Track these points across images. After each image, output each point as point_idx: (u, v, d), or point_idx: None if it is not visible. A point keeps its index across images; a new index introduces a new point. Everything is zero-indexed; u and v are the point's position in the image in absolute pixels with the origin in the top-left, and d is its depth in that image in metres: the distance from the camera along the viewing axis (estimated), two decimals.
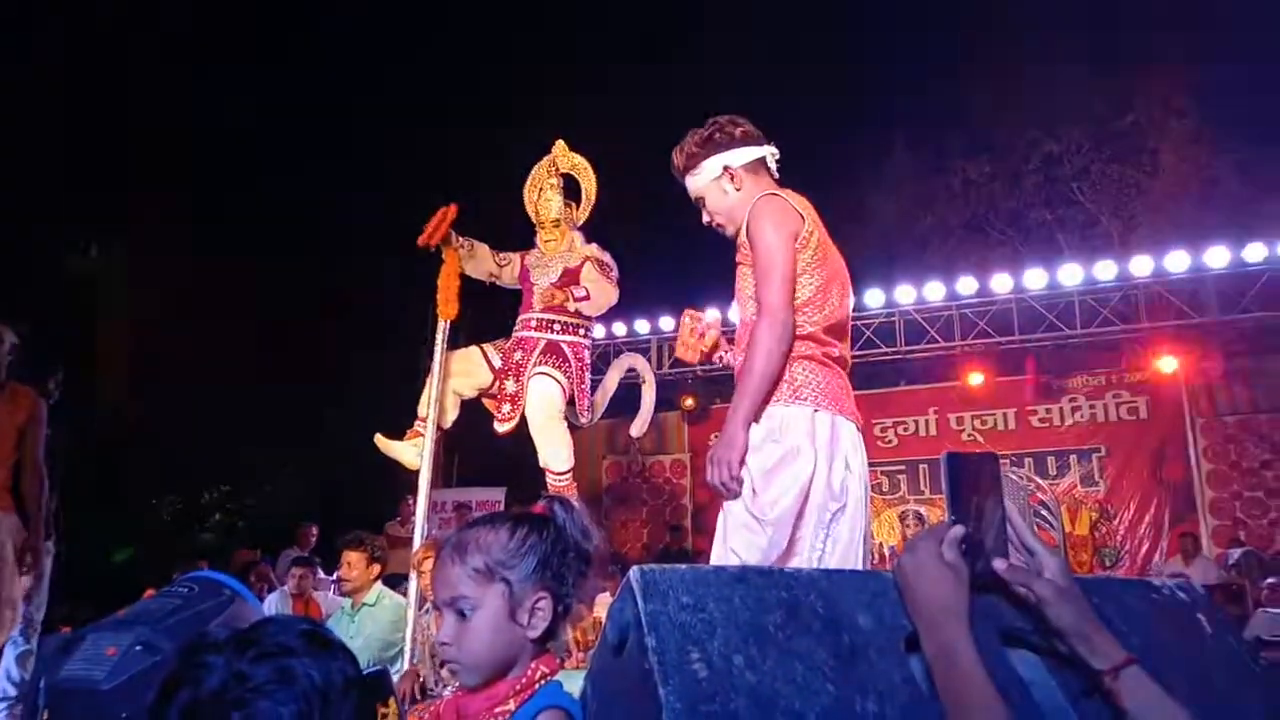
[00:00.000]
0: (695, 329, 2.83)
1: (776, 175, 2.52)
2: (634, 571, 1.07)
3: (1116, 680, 1.03)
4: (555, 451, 4.23)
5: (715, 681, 0.97)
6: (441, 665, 3.23)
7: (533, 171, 4.59)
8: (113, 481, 11.03)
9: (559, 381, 4.24)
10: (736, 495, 2.18)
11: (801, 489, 2.16)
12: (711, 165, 2.46)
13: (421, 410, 4.35)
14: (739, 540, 2.18)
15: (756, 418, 2.21)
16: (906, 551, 1.13)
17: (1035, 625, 1.12)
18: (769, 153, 2.50)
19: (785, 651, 1.03)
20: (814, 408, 2.22)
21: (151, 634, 1.38)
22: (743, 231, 2.36)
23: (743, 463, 2.17)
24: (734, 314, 2.65)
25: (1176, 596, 1.34)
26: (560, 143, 4.59)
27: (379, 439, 4.37)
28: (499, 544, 1.27)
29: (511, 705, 1.21)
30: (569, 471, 4.27)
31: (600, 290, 4.31)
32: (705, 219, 2.56)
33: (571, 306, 4.31)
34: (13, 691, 4.10)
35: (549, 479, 4.25)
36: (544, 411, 4.21)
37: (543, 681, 1.24)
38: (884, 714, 1.01)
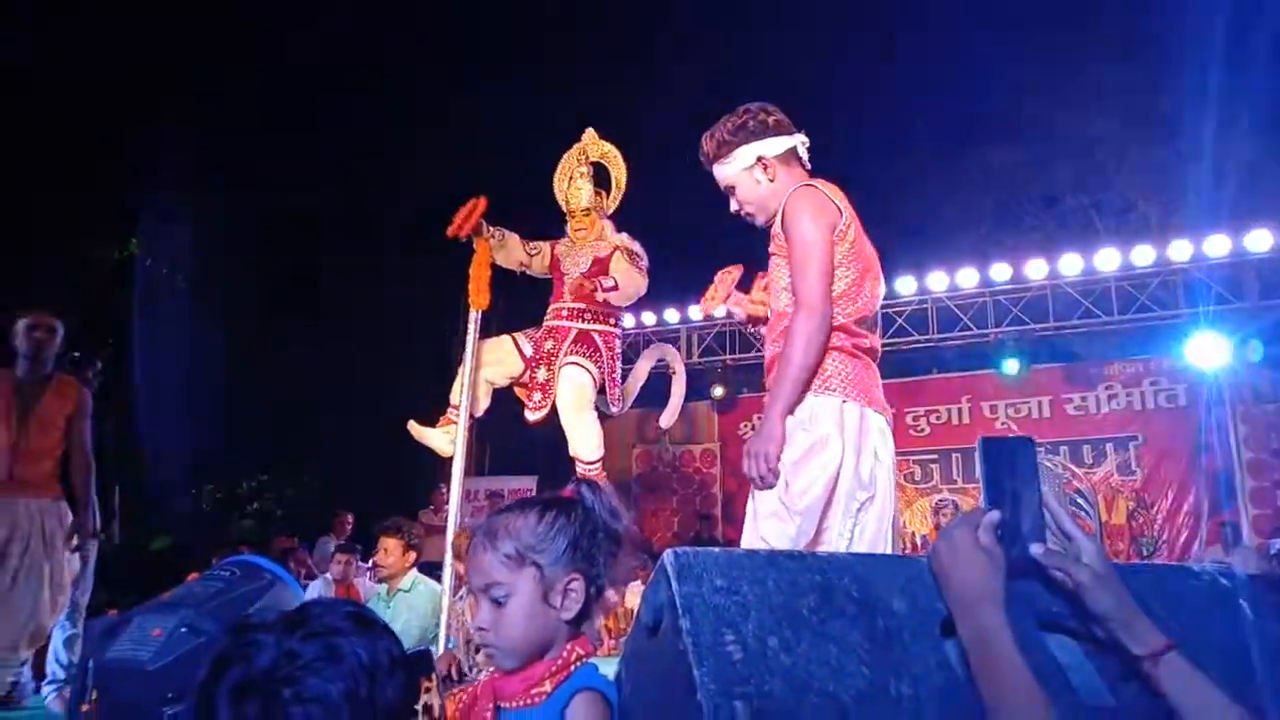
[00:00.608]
0: (726, 283, 2.90)
1: (808, 165, 2.50)
2: (668, 554, 1.08)
3: (1156, 666, 1.02)
4: (585, 440, 4.25)
5: (750, 663, 0.97)
6: (477, 650, 3.28)
7: (562, 160, 4.60)
8: (153, 470, 11.24)
9: (590, 371, 4.25)
10: (772, 487, 2.18)
11: (830, 478, 2.17)
12: (744, 154, 2.44)
13: (454, 398, 4.38)
14: (769, 528, 2.19)
15: (792, 412, 2.21)
16: (942, 537, 1.13)
17: (1073, 611, 1.11)
18: (800, 141, 2.48)
19: (819, 634, 1.03)
20: (843, 398, 2.23)
21: (196, 616, 1.41)
22: (777, 223, 2.35)
23: (779, 455, 2.17)
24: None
25: (1218, 583, 1.32)
26: (590, 131, 4.59)
27: (412, 426, 4.42)
28: (528, 529, 1.28)
29: (548, 686, 1.22)
30: (599, 460, 4.29)
31: (629, 280, 4.32)
32: (734, 207, 2.55)
33: (600, 297, 4.31)
34: (60, 674, 4.21)
35: (579, 467, 4.27)
36: (575, 400, 4.22)
37: (578, 663, 1.25)
38: (919, 697, 1.01)
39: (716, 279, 2.96)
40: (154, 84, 11.45)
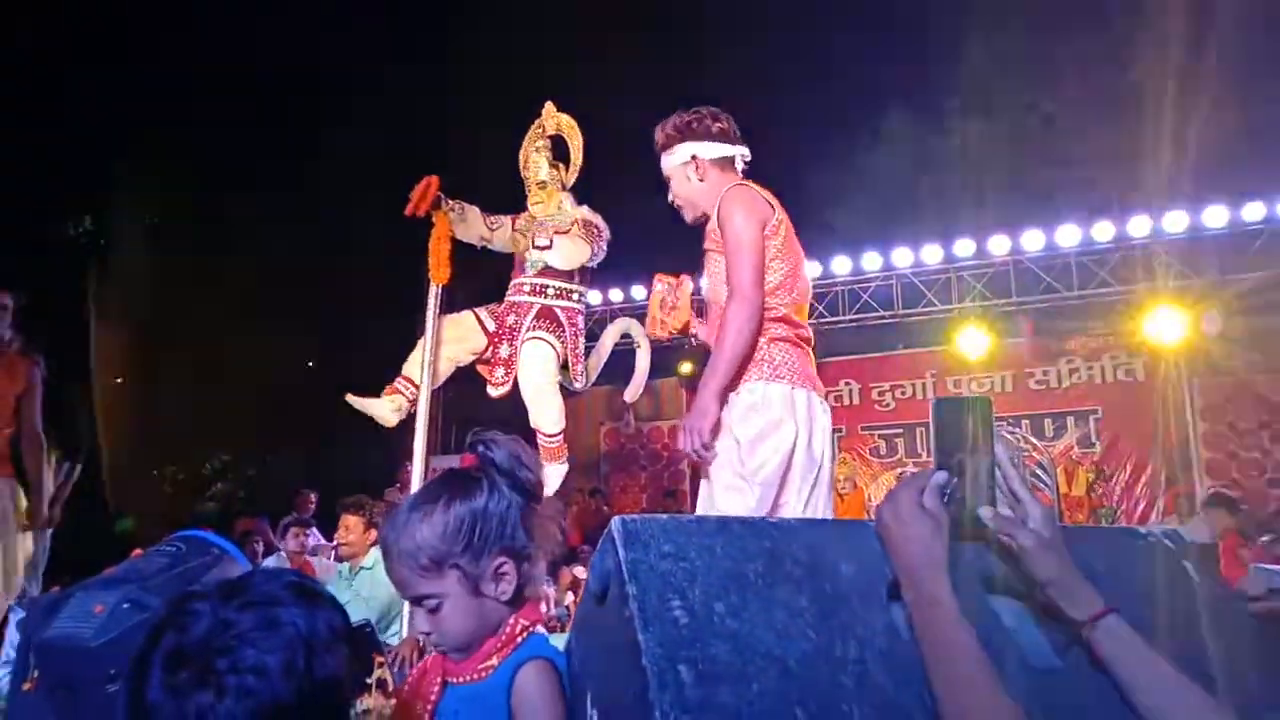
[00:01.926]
0: (666, 301, 2.96)
1: (742, 176, 2.65)
2: (615, 521, 1.07)
3: (1094, 630, 1.03)
4: (546, 413, 4.23)
5: (695, 628, 0.97)
6: None
7: (527, 134, 4.55)
8: (113, 453, 11.06)
9: (553, 345, 4.23)
10: (708, 461, 2.36)
11: (785, 455, 2.34)
12: (682, 150, 2.64)
13: (407, 370, 4.34)
14: (728, 501, 2.32)
15: (734, 390, 2.41)
16: (887, 500, 1.13)
17: (1018, 574, 1.12)
18: (739, 154, 2.66)
19: (766, 599, 1.03)
20: (791, 385, 2.42)
21: (139, 591, 1.38)
22: (714, 220, 2.52)
23: (714, 432, 2.36)
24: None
25: (1163, 544, 1.34)
26: (549, 104, 4.53)
27: (350, 398, 4.35)
28: (435, 535, 1.22)
29: (494, 661, 1.21)
30: (560, 433, 4.27)
31: (565, 242, 4.22)
32: (669, 197, 2.74)
33: (534, 256, 4.25)
34: (13, 655, 4.14)
35: (540, 439, 4.25)
36: (538, 375, 4.20)
37: (524, 635, 1.24)
38: (864, 659, 1.01)
39: (655, 294, 3.03)
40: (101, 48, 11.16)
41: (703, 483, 2.46)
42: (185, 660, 0.87)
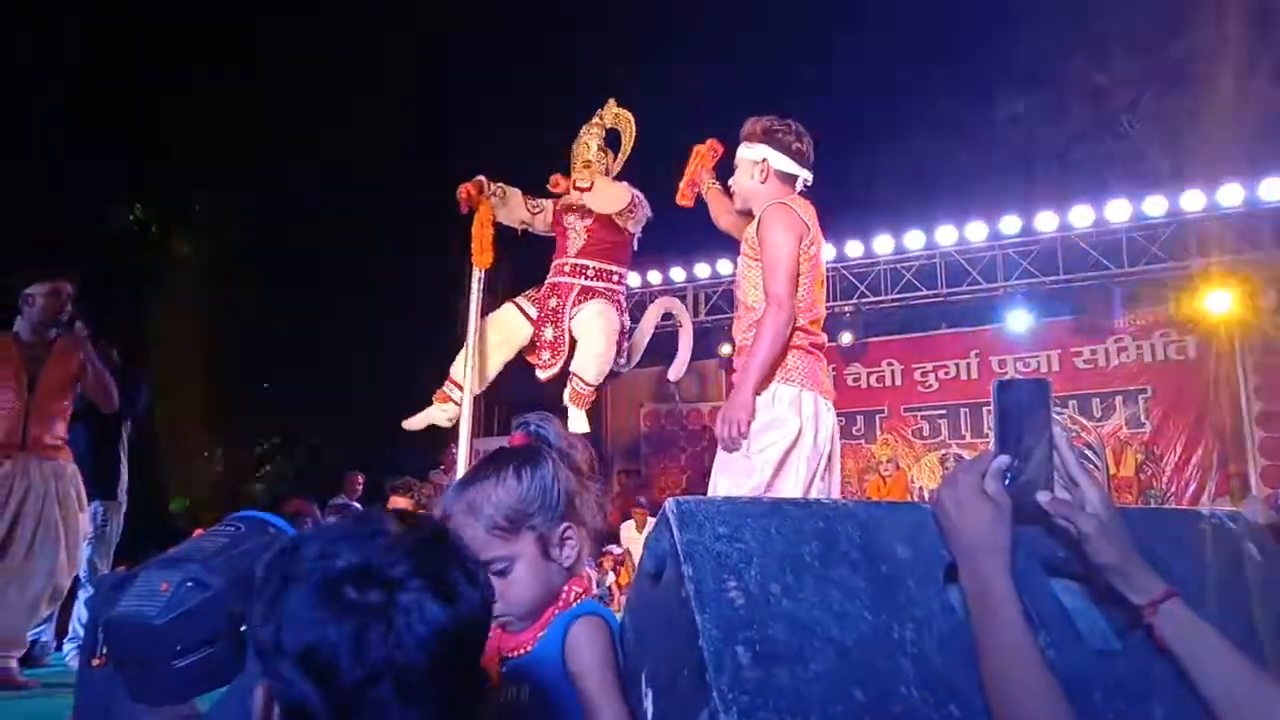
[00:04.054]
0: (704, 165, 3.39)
1: (798, 193, 2.89)
2: (670, 503, 1.07)
3: (1156, 614, 1.02)
4: (594, 365, 4.21)
5: (752, 609, 0.97)
6: None
7: (586, 125, 4.60)
8: (168, 436, 11.33)
9: (614, 312, 4.26)
10: (738, 449, 2.61)
11: (786, 445, 2.63)
12: (758, 150, 2.88)
13: (454, 374, 4.39)
14: (733, 470, 2.62)
15: (760, 389, 2.66)
16: (946, 484, 1.12)
17: (1078, 557, 1.11)
18: (803, 177, 2.90)
19: (822, 580, 1.03)
20: (800, 388, 2.69)
21: (202, 570, 1.41)
22: (752, 228, 2.79)
23: (750, 423, 2.61)
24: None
25: (1225, 526, 1.32)
26: (611, 100, 4.59)
27: (406, 424, 4.44)
28: (513, 493, 1.23)
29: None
30: (594, 388, 4.26)
31: (606, 184, 4.25)
32: (731, 181, 3.03)
33: (575, 196, 4.26)
34: (82, 632, 4.30)
35: (574, 382, 4.22)
36: (601, 327, 4.19)
37: (576, 600, 1.25)
38: (921, 641, 1.00)
39: (697, 158, 3.42)
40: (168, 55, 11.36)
41: (715, 463, 2.74)
42: (370, 577, 0.78)
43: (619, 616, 1.27)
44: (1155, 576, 1.05)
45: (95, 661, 1.55)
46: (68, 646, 4.76)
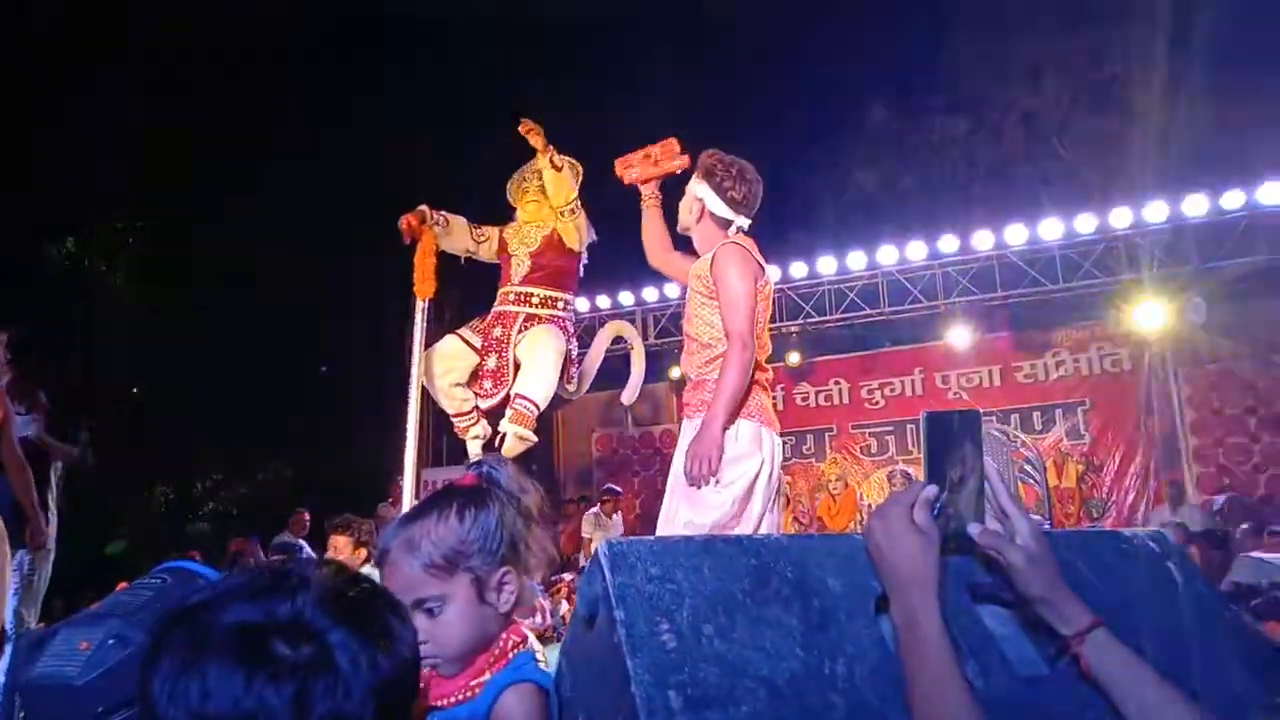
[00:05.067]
0: (652, 156, 3.38)
1: (731, 239, 2.94)
2: (601, 545, 1.07)
3: (1082, 644, 1.04)
4: (540, 385, 4.12)
5: (684, 651, 0.97)
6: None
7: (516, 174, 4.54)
8: (104, 474, 10.99)
9: (560, 336, 4.22)
10: (704, 483, 2.66)
11: (750, 479, 2.72)
12: (698, 188, 2.97)
13: (447, 409, 4.35)
14: (698, 503, 2.69)
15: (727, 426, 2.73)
16: (876, 515, 1.13)
17: (1007, 586, 1.13)
18: (738, 224, 2.96)
19: (754, 619, 1.03)
20: (759, 424, 2.78)
21: (125, 626, 1.37)
22: (705, 265, 2.87)
23: (720, 459, 2.67)
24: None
25: (1147, 547, 1.35)
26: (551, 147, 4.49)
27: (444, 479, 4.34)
28: (454, 533, 1.22)
29: (487, 675, 1.20)
30: (539, 409, 4.15)
31: (557, 177, 4.13)
32: (679, 202, 3.10)
33: (547, 163, 4.12)
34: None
35: (517, 402, 4.12)
36: (547, 350, 4.12)
37: (514, 651, 1.23)
38: (853, 675, 1.01)
39: (658, 152, 3.40)
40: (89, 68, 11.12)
41: (671, 496, 2.82)
42: (301, 631, 0.73)
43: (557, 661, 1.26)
44: (1082, 606, 1.07)
45: None
46: None
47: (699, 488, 2.67)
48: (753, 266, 2.82)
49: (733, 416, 2.73)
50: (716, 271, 2.81)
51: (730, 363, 2.72)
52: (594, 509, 9.08)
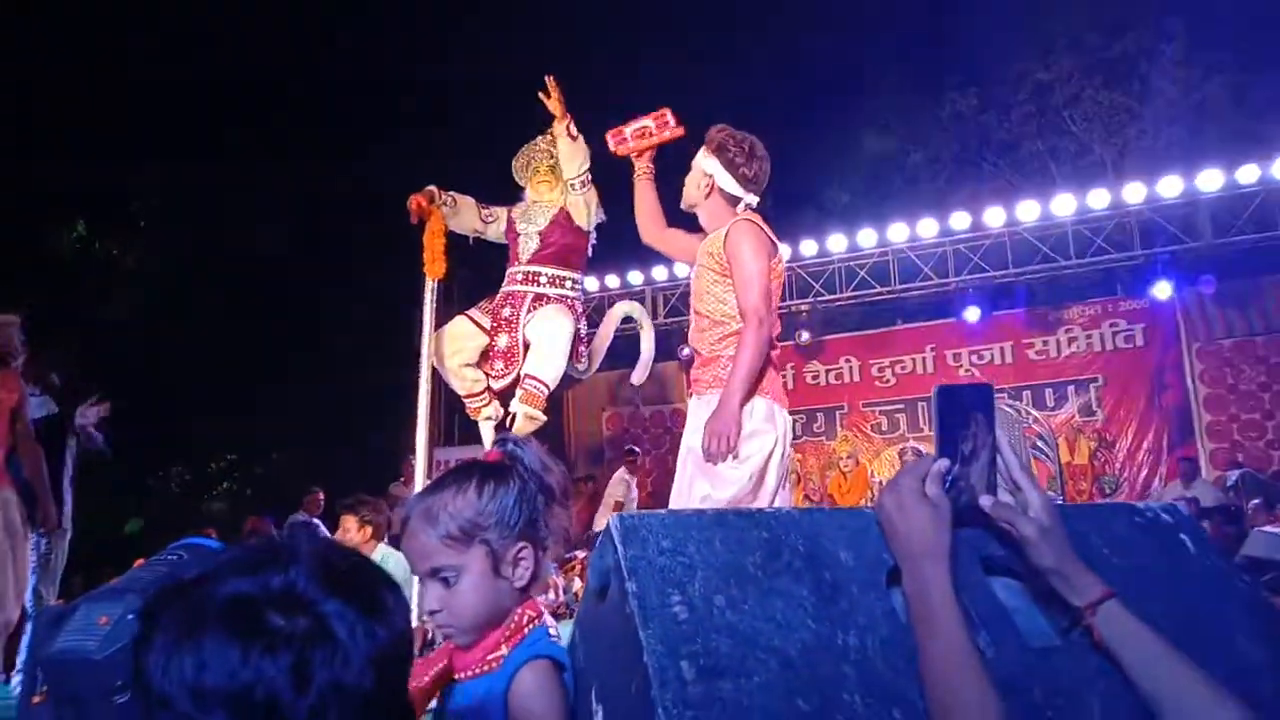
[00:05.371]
0: (648, 130, 3.30)
1: (743, 216, 2.94)
2: (613, 518, 1.07)
3: (1094, 615, 1.04)
4: (549, 366, 4.11)
5: (696, 623, 0.97)
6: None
7: (522, 150, 4.50)
8: (121, 455, 11.08)
9: (570, 318, 4.20)
10: (722, 459, 2.68)
11: (764, 456, 2.75)
12: (709, 163, 2.94)
13: (459, 390, 4.33)
14: (716, 479, 2.71)
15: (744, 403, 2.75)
16: (888, 488, 1.13)
17: (1019, 558, 1.13)
18: (747, 201, 2.95)
19: (766, 590, 1.03)
20: (771, 400, 2.81)
21: (142, 601, 1.38)
22: (718, 242, 2.86)
23: (739, 436, 2.69)
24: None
25: (1160, 519, 1.35)
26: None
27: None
28: (470, 505, 1.23)
29: (504, 650, 1.21)
30: (549, 388, 4.14)
31: (572, 146, 4.11)
32: (686, 178, 3.06)
33: (563, 130, 4.08)
34: None
35: (528, 384, 4.10)
36: (556, 332, 4.10)
37: (530, 626, 1.24)
38: (865, 647, 1.01)
39: (651, 124, 3.32)
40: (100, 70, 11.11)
41: (683, 471, 2.85)
42: (296, 603, 0.72)
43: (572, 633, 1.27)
44: (1094, 578, 1.07)
45: (35, 699, 1.52)
46: (15, 679, 4.64)
47: (716, 464, 2.69)
48: (766, 244, 2.83)
49: (749, 394, 2.74)
50: (730, 249, 2.82)
51: (747, 340, 2.74)
52: (621, 471, 9.18)
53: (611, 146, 3.41)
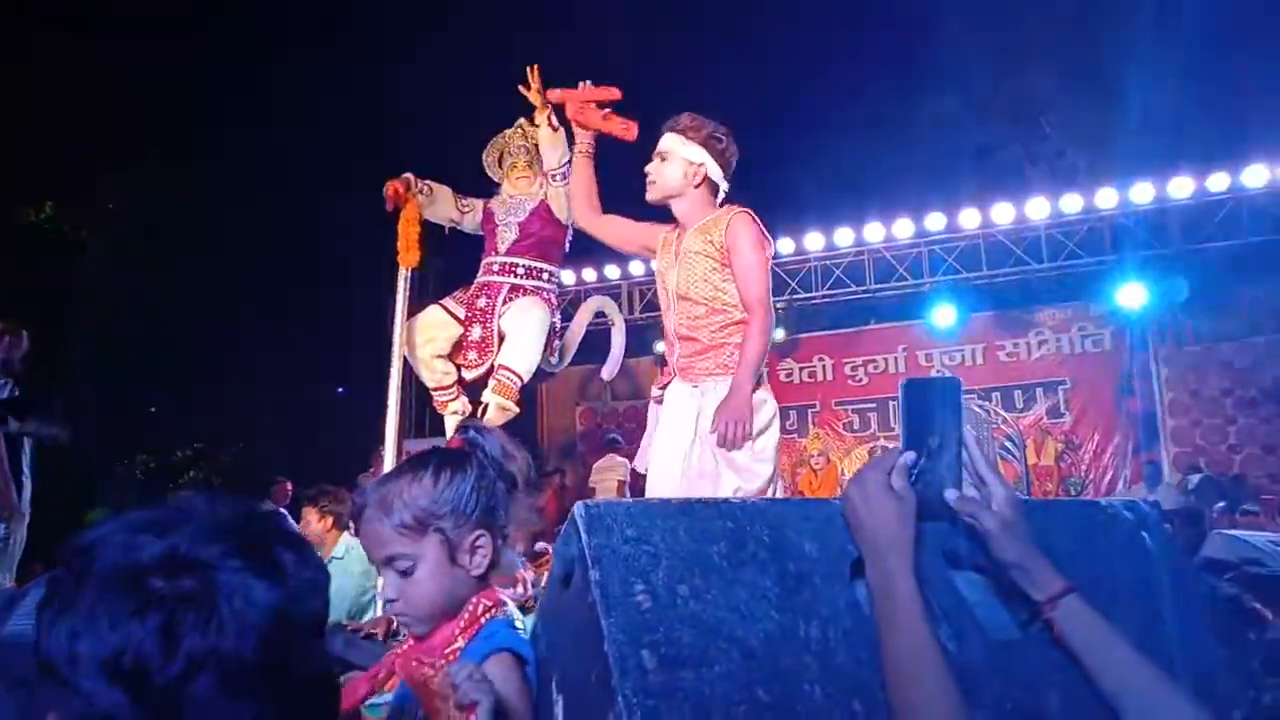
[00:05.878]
0: (613, 120, 3.18)
1: (741, 208, 2.97)
2: (578, 506, 1.06)
3: (1054, 609, 1.05)
4: (523, 357, 4.09)
5: (658, 612, 0.97)
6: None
7: (494, 141, 4.47)
8: (83, 442, 10.91)
9: (545, 309, 4.19)
10: (741, 448, 2.72)
11: (776, 446, 2.87)
12: (698, 152, 2.93)
13: (428, 382, 4.30)
14: (743, 471, 2.75)
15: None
16: (853, 481, 1.13)
17: (982, 552, 1.13)
18: (724, 189, 3.02)
19: (729, 580, 1.03)
20: (768, 392, 2.89)
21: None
22: (720, 233, 2.87)
23: (752, 421, 2.75)
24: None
25: (1121, 515, 1.36)
26: (523, 120, 4.40)
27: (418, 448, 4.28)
28: (426, 494, 1.22)
29: (461, 642, 1.20)
30: (523, 380, 4.12)
31: (553, 137, 4.08)
32: (649, 167, 3.01)
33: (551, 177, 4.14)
34: None
35: (502, 375, 4.08)
36: (530, 323, 4.08)
37: (486, 616, 1.23)
38: (827, 638, 1.01)
39: (596, 95, 3.21)
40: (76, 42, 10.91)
41: (706, 459, 2.79)
42: (179, 563, 0.71)
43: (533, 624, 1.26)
44: (1055, 573, 1.08)
45: None
46: None
47: (729, 450, 2.73)
48: (763, 236, 2.91)
49: (757, 385, 2.82)
50: (730, 240, 2.86)
51: (756, 330, 2.82)
52: (611, 456, 9.23)
53: (554, 98, 3.35)
